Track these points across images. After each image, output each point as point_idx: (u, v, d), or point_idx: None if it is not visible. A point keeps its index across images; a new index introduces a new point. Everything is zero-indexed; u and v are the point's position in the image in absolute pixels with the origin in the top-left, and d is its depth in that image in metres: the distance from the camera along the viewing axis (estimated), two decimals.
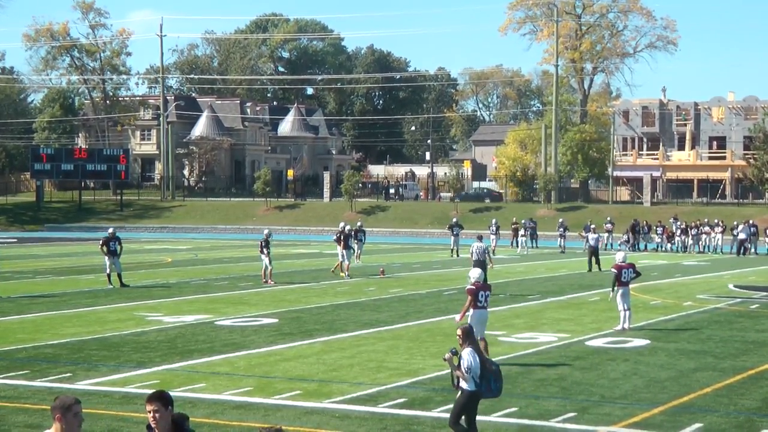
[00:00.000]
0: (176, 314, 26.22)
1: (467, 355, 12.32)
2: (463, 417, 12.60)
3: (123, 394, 16.06)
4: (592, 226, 48.80)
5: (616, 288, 23.69)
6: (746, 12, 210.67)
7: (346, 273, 37.78)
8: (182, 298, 30.55)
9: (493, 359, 18.71)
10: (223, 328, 23.84)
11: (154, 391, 8.07)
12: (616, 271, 23.76)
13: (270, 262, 35.46)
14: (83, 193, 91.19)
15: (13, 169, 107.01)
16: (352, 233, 41.37)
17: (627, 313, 23.68)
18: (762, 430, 14.03)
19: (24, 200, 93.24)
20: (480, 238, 34.26)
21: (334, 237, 40.20)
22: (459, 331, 12.61)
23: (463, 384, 12.37)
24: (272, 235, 36.97)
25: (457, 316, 18.97)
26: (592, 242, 43.05)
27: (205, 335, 22.52)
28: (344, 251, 38.37)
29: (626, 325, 23.58)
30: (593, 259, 42.35)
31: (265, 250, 35.27)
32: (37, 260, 47.38)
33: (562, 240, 57.28)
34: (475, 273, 19.07)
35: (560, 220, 60.29)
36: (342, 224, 40.89)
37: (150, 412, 7.82)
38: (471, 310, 18.55)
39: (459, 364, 12.32)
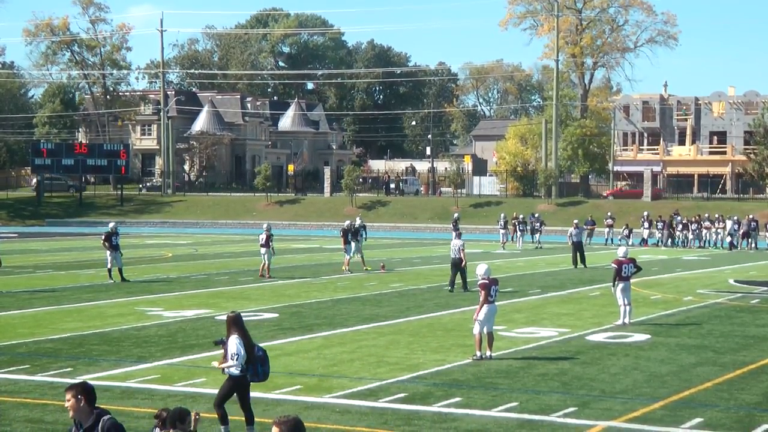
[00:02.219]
0: (176, 309, 26.23)
1: (233, 343, 12.81)
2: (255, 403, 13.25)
3: (123, 389, 16.07)
4: (575, 221, 48.30)
5: (616, 283, 23.70)
6: (746, 7, 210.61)
7: (346, 268, 37.84)
8: (183, 292, 30.55)
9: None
10: (224, 322, 23.79)
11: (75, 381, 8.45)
12: (616, 266, 23.77)
13: (269, 258, 35.41)
14: (83, 188, 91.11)
15: (14, 164, 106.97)
16: (353, 229, 41.35)
17: (627, 308, 23.69)
18: (762, 425, 14.02)
19: (24, 195, 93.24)
20: (459, 235, 33.19)
21: (341, 234, 40.28)
22: (226, 318, 13.15)
23: (230, 370, 12.86)
24: (271, 229, 36.91)
25: (475, 315, 18.99)
26: (574, 237, 42.37)
27: (206, 330, 22.52)
28: (345, 246, 38.47)
29: (626, 320, 23.60)
30: (578, 255, 41.55)
31: (267, 245, 35.23)
32: (37, 255, 47.39)
33: (538, 235, 56.90)
34: (482, 269, 19.19)
35: (536, 215, 59.66)
36: (348, 221, 40.85)
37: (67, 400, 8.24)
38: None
39: (225, 353, 12.90)
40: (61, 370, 17.56)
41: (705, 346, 20.74)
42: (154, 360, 18.68)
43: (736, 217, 58.97)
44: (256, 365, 12.87)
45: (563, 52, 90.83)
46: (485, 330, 18.78)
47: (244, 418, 13.04)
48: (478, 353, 18.67)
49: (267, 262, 35.31)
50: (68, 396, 8.23)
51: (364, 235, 45.42)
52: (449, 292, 30.34)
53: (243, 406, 13.04)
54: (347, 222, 40.63)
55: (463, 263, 30.99)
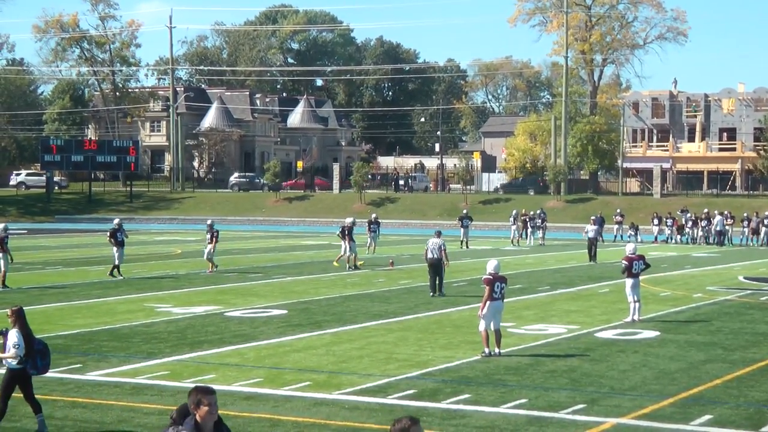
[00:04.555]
0: (186, 305, 26.27)
1: (13, 335, 13.12)
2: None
3: (133, 385, 16.09)
4: (592, 218, 49.01)
5: (626, 279, 23.69)
6: (756, 3, 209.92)
7: (349, 264, 37.78)
8: (192, 289, 30.60)
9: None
10: (233, 319, 23.88)
11: (202, 385, 8.23)
12: (626, 263, 23.74)
13: (212, 252, 35.87)
14: (93, 185, 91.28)
15: (24, 160, 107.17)
16: (373, 223, 41.47)
17: (637, 304, 23.67)
18: None
19: (34, 191, 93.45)
20: (438, 234, 30.16)
21: (366, 228, 40.72)
22: (9, 312, 13.38)
23: (8, 362, 13.18)
24: (215, 224, 37.77)
25: (479, 311, 18.92)
26: (591, 233, 43.41)
27: (215, 326, 22.56)
28: (349, 243, 38.32)
29: (636, 317, 23.57)
30: (591, 250, 42.91)
31: (211, 239, 35.90)
32: (47, 251, 47.49)
33: (542, 232, 56.36)
34: (491, 264, 19.12)
35: (538, 210, 59.28)
36: (350, 219, 40.90)
37: (208, 405, 7.99)
38: (488, 302, 18.67)
39: (4, 344, 13.16)
40: (71, 366, 17.60)
41: (714, 343, 20.70)
42: (164, 356, 18.70)
43: (746, 214, 58.91)
44: (35, 358, 13.21)
45: (572, 49, 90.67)
46: (492, 327, 18.72)
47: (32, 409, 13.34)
48: (486, 350, 18.64)
49: (210, 256, 35.93)
50: (213, 399, 8.06)
51: (377, 231, 46.51)
52: (431, 297, 28.51)
53: (27, 398, 13.35)
54: (349, 219, 40.57)
55: (446, 264, 29.33)
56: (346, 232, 38.24)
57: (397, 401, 15.00)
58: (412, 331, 21.94)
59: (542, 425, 13.72)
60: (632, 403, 14.97)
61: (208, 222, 37.96)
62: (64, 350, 19.33)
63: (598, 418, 14.12)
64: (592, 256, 42.69)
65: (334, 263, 38.73)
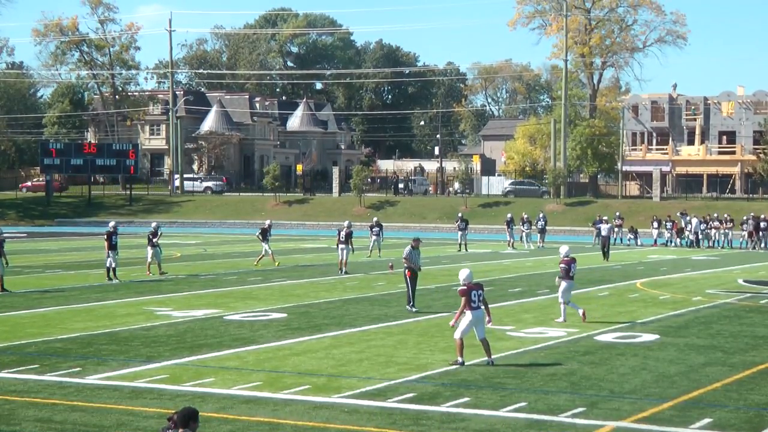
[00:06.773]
0: (185, 309, 26.26)
1: None
2: None
3: (132, 389, 16.09)
4: (604, 218, 49.61)
5: (561, 281, 23.88)
6: (756, 6, 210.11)
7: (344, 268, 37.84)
8: (191, 292, 30.59)
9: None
10: (232, 322, 23.87)
11: None
12: (565, 265, 23.96)
13: (157, 255, 36.08)
14: (92, 188, 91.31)
15: (23, 163, 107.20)
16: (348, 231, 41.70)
17: (565, 306, 23.90)
18: None
19: (34, 195, 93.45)
20: (417, 241, 27.83)
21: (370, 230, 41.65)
22: None
23: None
24: (161, 227, 38.00)
25: (452, 321, 18.72)
26: (604, 232, 44.84)
27: (214, 330, 22.55)
28: (347, 247, 38.62)
29: (563, 319, 23.75)
30: (604, 248, 45.23)
31: (151, 242, 36.06)
32: (46, 255, 47.48)
33: (542, 235, 55.82)
34: (463, 273, 18.40)
35: (540, 214, 59.04)
36: (268, 221, 43.16)
37: None
38: (466, 311, 18.19)
39: None
40: (71, 370, 17.59)
41: (714, 346, 20.70)
42: (163, 360, 18.70)
43: (736, 216, 58.89)
44: None
45: (572, 52, 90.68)
46: (478, 337, 18.30)
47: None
48: (460, 359, 18.13)
49: (158, 260, 36.13)
50: None
51: (381, 234, 47.06)
52: (407, 308, 26.60)
53: None
54: (346, 223, 41.27)
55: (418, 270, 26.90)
56: (342, 238, 38.45)
57: (397, 404, 15.00)
58: (412, 335, 21.94)
59: (542, 428, 13.71)
60: (632, 407, 14.96)
61: (153, 224, 38.00)
62: (64, 354, 19.34)
63: (598, 421, 14.11)
64: (605, 254, 44.66)
65: (255, 264, 39.90)
